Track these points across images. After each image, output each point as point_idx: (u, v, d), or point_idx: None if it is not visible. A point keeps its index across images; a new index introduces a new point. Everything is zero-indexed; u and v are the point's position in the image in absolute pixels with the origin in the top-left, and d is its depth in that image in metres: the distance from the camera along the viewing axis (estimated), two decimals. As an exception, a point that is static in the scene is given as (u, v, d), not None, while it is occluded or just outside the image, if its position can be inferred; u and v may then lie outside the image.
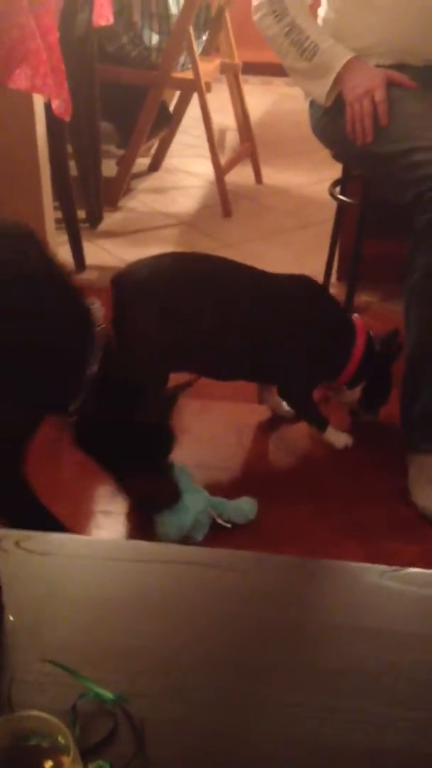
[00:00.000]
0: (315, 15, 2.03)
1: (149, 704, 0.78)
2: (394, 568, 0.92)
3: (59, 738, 0.63)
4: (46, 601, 0.89)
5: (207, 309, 1.80)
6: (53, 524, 1.49)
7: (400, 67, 1.91)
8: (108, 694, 0.77)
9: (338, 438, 2.00)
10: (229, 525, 1.71)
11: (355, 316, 2.00)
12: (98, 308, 1.44)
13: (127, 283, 1.80)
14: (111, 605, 0.90)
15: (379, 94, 1.84)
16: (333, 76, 1.89)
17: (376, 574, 0.93)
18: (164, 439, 1.59)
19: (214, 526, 1.70)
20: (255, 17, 1.95)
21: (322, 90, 1.92)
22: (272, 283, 1.91)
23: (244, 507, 1.75)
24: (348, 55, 1.89)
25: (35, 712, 0.63)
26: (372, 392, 1.99)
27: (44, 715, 0.63)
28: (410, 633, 0.88)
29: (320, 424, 1.99)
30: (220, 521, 1.70)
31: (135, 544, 1.12)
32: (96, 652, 0.84)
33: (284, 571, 0.94)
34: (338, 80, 1.89)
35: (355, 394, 1.99)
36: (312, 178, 3.46)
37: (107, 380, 1.43)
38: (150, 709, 0.78)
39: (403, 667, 0.84)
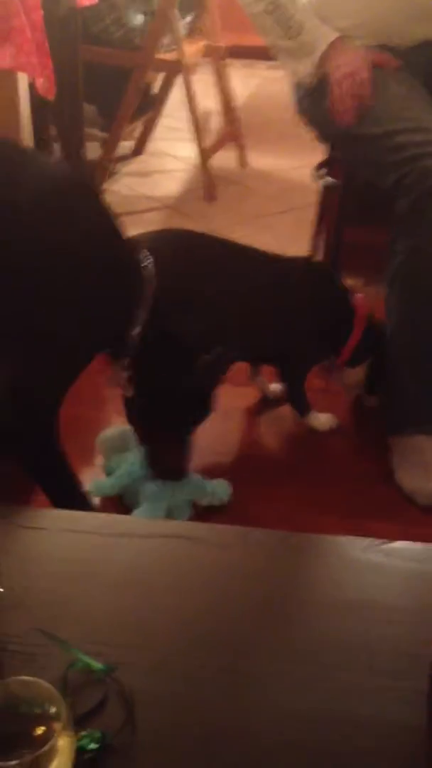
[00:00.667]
0: None
1: (138, 675, 0.80)
2: (378, 541, 0.94)
3: (50, 705, 0.64)
4: (36, 575, 0.90)
5: (207, 285, 1.81)
6: (82, 499, 1.49)
7: (384, 47, 1.91)
8: (98, 664, 0.79)
9: (321, 420, 2.01)
10: (204, 503, 1.73)
11: (359, 295, 2.00)
12: (151, 266, 1.46)
13: None
14: (100, 579, 0.91)
15: (364, 75, 1.84)
16: (318, 55, 1.88)
17: (359, 548, 0.95)
18: (201, 409, 1.63)
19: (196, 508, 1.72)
20: None
21: (306, 69, 1.92)
22: (271, 261, 1.93)
23: (218, 489, 1.76)
24: (333, 35, 1.88)
25: (27, 678, 0.64)
26: (374, 373, 2.00)
27: (36, 680, 0.64)
28: (393, 606, 0.89)
29: (303, 408, 2.00)
30: (197, 500, 1.72)
31: (124, 519, 1.13)
32: (85, 625, 0.85)
33: (270, 546, 0.95)
34: (323, 60, 1.89)
35: (358, 374, 1.99)
36: (296, 162, 3.46)
37: (156, 339, 1.46)
38: (139, 680, 0.79)
39: (386, 638, 0.85)
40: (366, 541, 0.95)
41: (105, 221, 1.43)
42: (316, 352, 1.98)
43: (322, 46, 1.88)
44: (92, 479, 1.76)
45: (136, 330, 1.44)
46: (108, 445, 1.84)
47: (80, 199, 1.39)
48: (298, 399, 2.00)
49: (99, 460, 1.87)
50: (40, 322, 1.31)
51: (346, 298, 1.98)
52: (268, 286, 1.90)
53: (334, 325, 1.96)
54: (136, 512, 1.67)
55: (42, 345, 1.33)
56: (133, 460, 1.76)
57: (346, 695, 0.79)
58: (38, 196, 1.30)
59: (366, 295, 2.08)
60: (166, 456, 1.64)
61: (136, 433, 1.67)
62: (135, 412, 1.62)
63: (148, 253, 1.48)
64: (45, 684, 0.64)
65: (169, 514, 1.67)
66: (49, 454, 1.43)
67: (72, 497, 1.46)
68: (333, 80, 1.87)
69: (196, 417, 1.64)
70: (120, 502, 1.74)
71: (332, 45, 1.88)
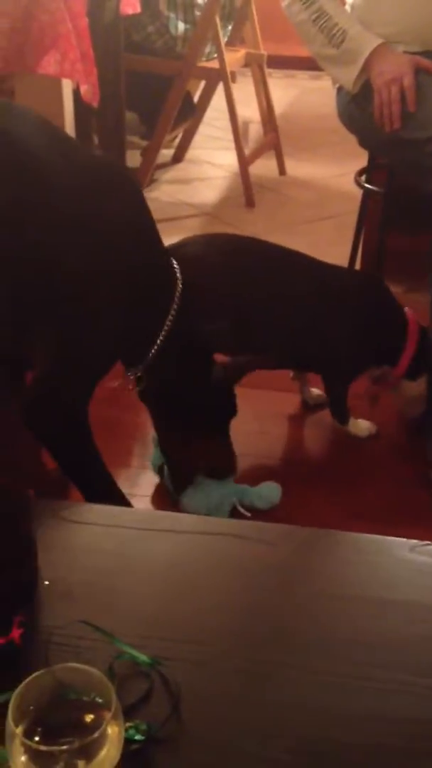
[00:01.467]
0: (343, 1, 2.02)
1: (183, 669, 0.79)
2: (425, 542, 0.93)
3: (99, 693, 0.64)
4: (81, 568, 0.90)
5: (258, 289, 1.81)
6: (118, 498, 1.49)
7: (428, 53, 1.91)
8: (144, 657, 0.78)
9: (361, 427, 1.99)
10: (249, 514, 1.72)
11: (407, 309, 1.96)
12: (179, 272, 1.49)
13: (180, 257, 1.81)
14: (144, 574, 0.91)
15: (408, 80, 1.83)
16: (361, 61, 1.89)
17: (406, 548, 0.94)
18: (230, 405, 1.65)
19: (234, 514, 1.71)
20: (283, 4, 1.95)
21: (350, 76, 1.92)
22: (324, 271, 1.93)
23: (267, 492, 1.75)
24: (376, 41, 1.88)
25: (75, 665, 0.64)
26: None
27: (84, 667, 0.64)
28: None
29: (343, 416, 1.99)
30: (240, 509, 1.71)
31: (168, 515, 1.13)
32: (130, 619, 0.85)
33: (316, 544, 0.94)
34: (366, 66, 1.89)
35: (420, 386, 1.94)
36: (335, 170, 3.46)
37: (182, 337, 1.46)
38: (184, 674, 0.79)
39: (429, 638, 0.84)
40: (412, 542, 0.94)
41: (148, 222, 1.44)
42: (361, 362, 1.95)
43: (366, 53, 1.88)
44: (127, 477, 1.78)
45: (159, 336, 1.44)
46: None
47: (127, 198, 1.40)
48: (339, 407, 1.99)
49: (136, 461, 1.87)
50: (80, 314, 1.31)
51: (395, 309, 1.96)
52: (315, 293, 1.88)
53: (384, 336, 1.93)
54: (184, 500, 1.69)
55: (77, 339, 1.34)
56: None
57: (394, 696, 0.78)
58: (85, 182, 1.32)
59: (409, 303, 2.07)
60: (210, 454, 1.64)
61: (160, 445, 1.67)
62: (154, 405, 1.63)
63: (174, 261, 1.49)
64: (94, 671, 0.64)
65: (209, 513, 1.68)
66: (81, 451, 1.44)
67: (108, 495, 1.46)
68: (376, 86, 1.87)
69: (227, 412, 1.65)
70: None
71: (376, 51, 1.88)
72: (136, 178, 1.42)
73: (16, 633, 0.79)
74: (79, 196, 1.29)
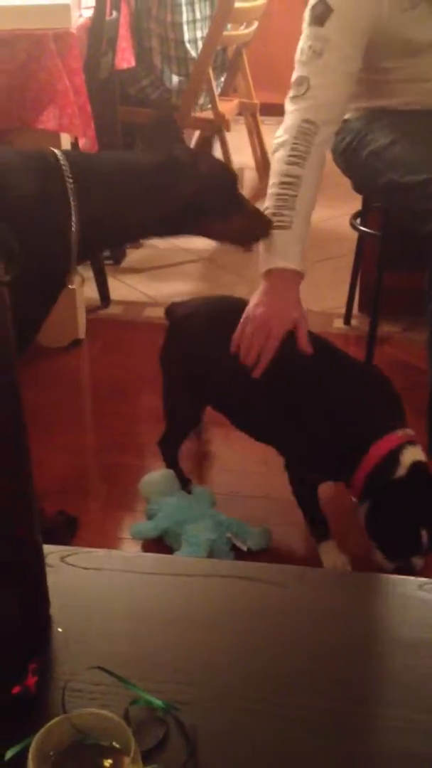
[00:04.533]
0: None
1: (199, 712, 0.79)
2: (433, 580, 0.94)
3: (117, 738, 0.65)
4: (93, 614, 0.90)
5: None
6: None
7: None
8: (159, 702, 0.79)
9: (331, 557, 1.70)
10: (245, 548, 1.73)
11: (401, 433, 1.60)
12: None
13: (174, 313, 1.89)
14: (156, 618, 0.91)
15: (277, 332, 1.64)
16: (263, 269, 1.71)
17: (414, 586, 0.94)
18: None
19: (237, 552, 1.73)
20: (275, 141, 1.79)
21: (265, 257, 1.73)
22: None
23: (259, 534, 1.76)
24: (288, 264, 1.68)
25: (92, 710, 0.65)
26: (380, 522, 1.59)
27: (101, 712, 0.64)
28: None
29: (316, 531, 1.74)
30: (238, 544, 1.72)
31: (180, 560, 1.13)
32: (143, 663, 0.85)
33: (327, 584, 0.95)
34: (263, 275, 1.71)
35: (360, 512, 1.62)
36: (330, 213, 3.51)
37: None
38: (200, 717, 0.79)
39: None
40: (420, 580, 0.95)
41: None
42: (312, 463, 1.71)
43: (271, 265, 1.70)
44: (133, 523, 1.78)
45: None
46: (151, 489, 1.86)
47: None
48: (306, 512, 1.76)
49: (140, 505, 1.88)
50: None
51: (373, 422, 1.63)
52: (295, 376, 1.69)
53: (341, 446, 1.63)
54: (177, 554, 1.68)
55: None
56: (174, 503, 1.78)
57: (404, 734, 0.79)
58: None
59: (406, 342, 2.08)
60: None
61: None
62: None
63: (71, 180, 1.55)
64: (111, 716, 0.64)
65: (210, 557, 1.68)
66: None
67: None
68: (248, 313, 1.68)
69: None
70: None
71: (277, 273, 1.69)
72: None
73: (31, 681, 0.79)
74: None
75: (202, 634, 0.89)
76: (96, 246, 1.71)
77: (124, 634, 0.89)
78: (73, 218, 1.55)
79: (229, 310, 1.78)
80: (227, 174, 1.75)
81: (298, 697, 0.82)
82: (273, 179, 1.74)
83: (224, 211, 1.68)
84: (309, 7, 1.77)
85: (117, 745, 0.65)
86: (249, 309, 1.69)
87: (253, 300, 1.70)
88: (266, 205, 1.74)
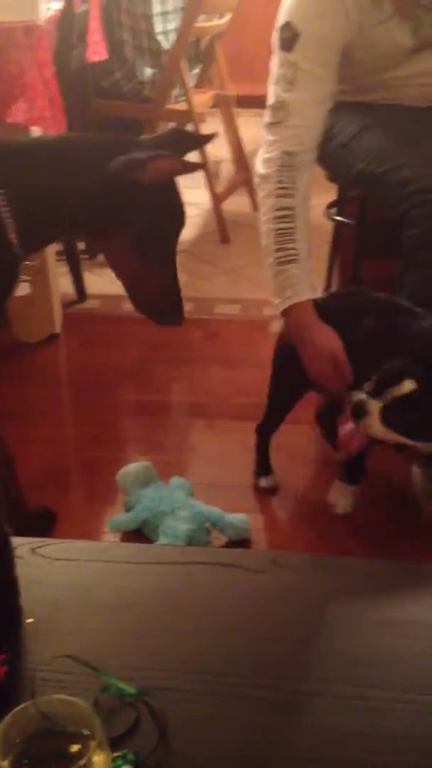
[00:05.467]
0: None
1: (171, 698, 0.79)
2: (410, 563, 0.94)
3: (83, 723, 0.64)
4: (65, 605, 0.90)
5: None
6: None
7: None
8: (129, 688, 0.79)
9: (337, 495, 1.86)
10: (224, 538, 1.75)
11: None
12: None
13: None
14: (128, 607, 0.91)
15: (340, 355, 1.70)
16: (283, 304, 1.75)
17: (392, 569, 0.95)
18: None
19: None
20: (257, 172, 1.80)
21: (280, 293, 1.75)
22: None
23: (237, 523, 1.76)
24: (305, 298, 1.73)
25: (59, 696, 0.65)
26: None
27: (67, 698, 0.64)
28: (426, 623, 0.89)
29: (345, 472, 1.85)
30: (216, 533, 1.74)
31: (152, 548, 1.13)
32: (115, 652, 0.85)
33: (302, 568, 0.95)
34: (285, 312, 1.75)
35: None
36: (306, 204, 3.51)
37: None
38: (172, 703, 0.79)
39: (419, 656, 0.85)
40: (398, 563, 0.95)
41: None
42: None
43: (292, 302, 1.73)
44: (111, 515, 1.78)
45: None
46: (128, 481, 1.85)
47: None
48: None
49: (121, 498, 1.88)
50: None
51: None
52: None
53: None
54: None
55: None
56: (152, 494, 1.77)
57: (381, 713, 0.79)
58: None
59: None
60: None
61: None
62: None
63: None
64: (78, 701, 0.64)
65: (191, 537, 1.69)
66: None
67: None
68: (304, 356, 1.73)
69: None
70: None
71: (296, 306, 1.74)
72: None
73: (0, 671, 0.79)
74: None
75: (175, 622, 0.89)
76: (38, 235, 1.49)
77: (96, 623, 0.89)
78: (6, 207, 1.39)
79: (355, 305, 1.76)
80: (175, 208, 1.51)
81: (273, 680, 0.82)
82: (266, 215, 1.75)
83: (140, 247, 1.47)
84: (277, 28, 1.75)
85: (86, 732, 0.65)
86: (300, 351, 1.73)
87: (293, 339, 1.75)
88: (266, 243, 1.75)
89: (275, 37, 1.75)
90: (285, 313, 1.75)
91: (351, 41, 1.75)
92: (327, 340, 1.70)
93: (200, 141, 1.59)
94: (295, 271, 1.72)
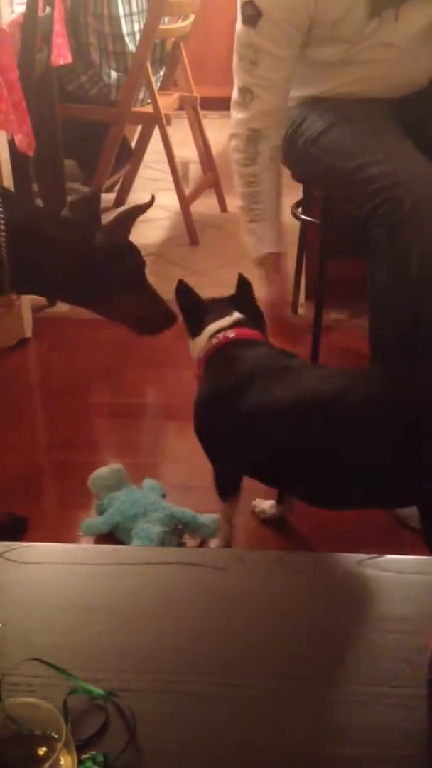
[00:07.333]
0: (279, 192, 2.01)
1: (139, 699, 0.80)
2: (371, 555, 0.95)
3: (50, 726, 0.65)
4: (32, 608, 0.90)
5: None
6: None
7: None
8: (98, 690, 0.79)
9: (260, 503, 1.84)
10: (197, 539, 1.75)
11: None
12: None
13: None
14: (98, 608, 0.91)
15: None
16: (255, 254, 1.99)
17: (353, 563, 0.96)
18: None
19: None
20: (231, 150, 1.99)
21: (251, 246, 2.00)
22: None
23: (209, 524, 1.76)
24: (270, 249, 1.96)
25: (25, 699, 0.65)
26: None
27: (34, 700, 0.64)
28: (388, 616, 0.90)
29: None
30: (189, 535, 1.74)
31: (119, 549, 1.13)
32: (85, 654, 0.85)
33: (266, 565, 0.96)
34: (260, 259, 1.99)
35: None
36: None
37: None
38: (140, 704, 0.79)
39: (384, 648, 0.86)
40: (359, 556, 0.96)
41: None
42: None
43: (259, 252, 1.98)
44: (84, 520, 1.78)
45: None
46: (100, 484, 1.85)
47: None
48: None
49: (93, 502, 1.88)
50: None
51: None
52: None
53: None
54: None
55: None
56: (124, 498, 1.77)
57: (346, 706, 0.80)
58: None
59: (353, 330, 2.10)
60: None
61: None
62: None
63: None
64: (44, 704, 0.64)
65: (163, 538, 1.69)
66: None
67: None
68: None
69: None
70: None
71: (263, 257, 1.98)
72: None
73: (-31, 677, 0.79)
74: None
75: (144, 622, 0.89)
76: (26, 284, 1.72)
77: (64, 625, 0.89)
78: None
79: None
80: (133, 255, 1.71)
81: (237, 678, 0.83)
82: (237, 180, 1.98)
83: (121, 292, 1.69)
84: (239, 4, 1.78)
85: (54, 735, 0.65)
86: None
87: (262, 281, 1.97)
88: (240, 205, 1.99)
89: (239, 12, 1.80)
90: (257, 263, 1.99)
91: (310, 16, 1.79)
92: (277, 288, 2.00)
93: (143, 208, 1.74)
94: (260, 229, 1.96)
